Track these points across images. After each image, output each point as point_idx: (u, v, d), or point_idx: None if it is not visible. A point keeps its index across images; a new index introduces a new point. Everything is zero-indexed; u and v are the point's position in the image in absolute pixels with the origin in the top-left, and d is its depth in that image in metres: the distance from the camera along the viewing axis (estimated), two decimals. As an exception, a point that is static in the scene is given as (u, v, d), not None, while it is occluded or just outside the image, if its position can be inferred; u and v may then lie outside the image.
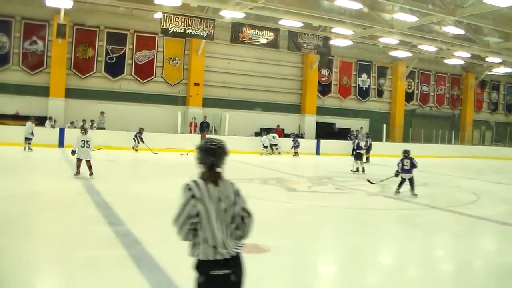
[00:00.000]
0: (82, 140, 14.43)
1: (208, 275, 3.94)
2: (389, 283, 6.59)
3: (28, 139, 21.89)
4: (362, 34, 30.19)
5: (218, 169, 4.04)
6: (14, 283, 5.73)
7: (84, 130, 15.17)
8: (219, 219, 3.95)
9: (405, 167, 14.33)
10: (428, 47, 32.47)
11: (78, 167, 14.66)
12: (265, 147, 29.45)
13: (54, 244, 7.35)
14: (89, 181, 14.09)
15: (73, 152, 14.44)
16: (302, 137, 33.33)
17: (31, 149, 21.58)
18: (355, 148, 21.67)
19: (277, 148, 29.66)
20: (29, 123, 22.11)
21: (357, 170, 20.92)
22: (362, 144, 23.04)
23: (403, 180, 14.46)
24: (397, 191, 14.53)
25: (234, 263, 4.05)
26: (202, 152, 4.02)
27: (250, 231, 4.20)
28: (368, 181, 16.02)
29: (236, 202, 4.11)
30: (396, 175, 14.58)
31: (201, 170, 4.05)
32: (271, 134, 30.05)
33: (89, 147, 14.51)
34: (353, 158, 21.52)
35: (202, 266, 3.98)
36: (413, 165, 14.40)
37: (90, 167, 14.63)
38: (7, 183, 13.06)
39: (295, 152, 29.30)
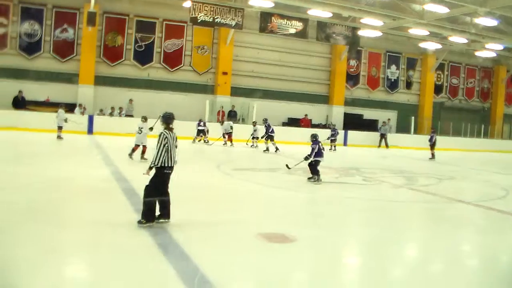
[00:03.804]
0: (138, 127, 15.95)
1: (164, 172, 7.89)
2: (414, 277, 6.58)
3: (61, 128, 22.07)
4: (391, 25, 29.93)
5: (171, 126, 8.01)
6: (44, 269, 5.85)
7: (143, 118, 16.59)
8: (174, 147, 7.89)
9: (322, 151, 14.03)
10: (458, 39, 32.03)
11: (134, 150, 16.04)
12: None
13: (82, 231, 7.47)
14: (117, 168, 14.27)
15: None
16: (329, 127, 33.23)
17: (62, 137, 21.82)
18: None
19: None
20: (61, 111, 22.32)
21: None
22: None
23: (317, 164, 14.00)
24: (319, 179, 13.89)
25: (173, 167, 7.93)
26: (167, 118, 8.12)
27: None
28: (286, 166, 15.65)
29: (177, 141, 8.04)
30: (306, 159, 14.13)
31: (165, 126, 8.02)
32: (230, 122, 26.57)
33: (141, 133, 15.85)
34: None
35: (162, 168, 7.83)
36: (324, 149, 14.24)
37: (143, 152, 15.83)
38: (38, 169, 13.26)
39: (332, 146, 27.21)
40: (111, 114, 27.11)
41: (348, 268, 7.08)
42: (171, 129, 7.97)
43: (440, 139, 25.56)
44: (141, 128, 15.90)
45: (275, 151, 23.07)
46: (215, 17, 27.24)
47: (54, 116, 22.38)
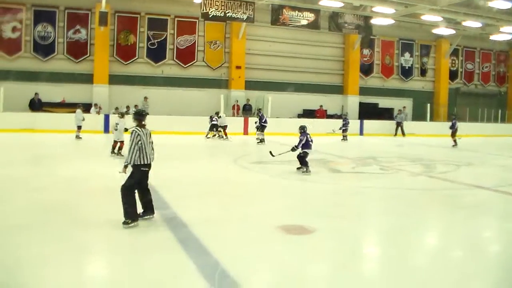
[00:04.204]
0: (115, 123, 16.26)
1: (140, 170, 7.71)
2: (434, 264, 6.56)
3: (80, 127, 22.23)
4: (404, 12, 29.70)
5: (143, 122, 7.86)
6: (64, 267, 5.92)
7: (120, 114, 17.15)
8: (148, 144, 7.77)
9: (310, 143, 13.91)
10: (472, 23, 31.69)
11: (113, 147, 16.35)
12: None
13: (102, 228, 7.53)
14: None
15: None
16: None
17: (80, 137, 21.99)
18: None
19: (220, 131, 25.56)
20: (79, 111, 22.47)
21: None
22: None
23: (306, 155, 13.90)
24: (308, 170, 13.81)
25: (150, 165, 7.84)
26: (139, 115, 7.95)
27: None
28: (270, 153, 15.57)
29: (151, 137, 7.90)
30: (293, 150, 14.02)
31: (137, 123, 7.85)
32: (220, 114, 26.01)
33: (117, 129, 16.08)
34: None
35: (138, 166, 7.66)
36: (312, 141, 14.06)
37: (119, 148, 16.18)
38: (56, 169, 13.38)
39: (343, 136, 27.00)
40: (126, 113, 27.19)
41: (368, 257, 7.09)
42: (143, 126, 7.83)
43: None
44: (117, 124, 16.12)
45: (258, 141, 23.05)
46: (226, 11, 27.25)
47: (70, 116, 22.54)
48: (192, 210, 8.95)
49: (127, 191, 7.59)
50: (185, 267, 5.96)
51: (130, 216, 7.54)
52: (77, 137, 21.90)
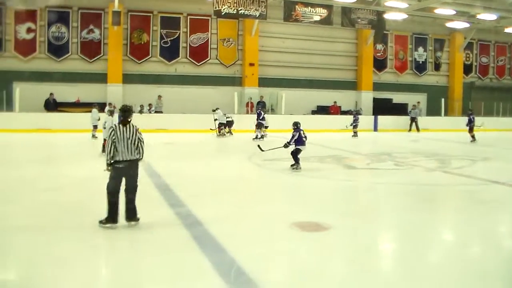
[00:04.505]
0: (104, 121, 16.13)
1: (114, 167, 7.45)
2: (451, 260, 6.54)
3: (95, 126, 22.33)
4: (417, 6, 29.57)
5: (128, 119, 7.55)
6: (78, 267, 5.97)
7: (109, 112, 16.83)
8: (123, 142, 7.38)
9: (303, 139, 13.73)
10: (487, 16, 31.47)
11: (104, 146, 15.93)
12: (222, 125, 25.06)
13: (118, 226, 7.56)
14: (149, 165, 14.40)
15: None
16: (359, 114, 33.09)
17: (96, 136, 22.08)
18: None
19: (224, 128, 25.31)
20: (95, 110, 22.57)
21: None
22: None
23: (298, 152, 13.74)
24: (299, 166, 13.64)
25: (130, 163, 7.48)
26: (122, 112, 7.65)
27: (144, 150, 7.63)
28: (259, 147, 15.49)
29: (135, 135, 7.47)
30: (286, 146, 13.89)
31: (121, 120, 7.55)
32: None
33: (105, 128, 15.69)
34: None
35: (113, 163, 7.45)
36: (306, 137, 13.88)
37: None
38: (72, 169, 13.46)
39: (353, 132, 26.57)
40: (140, 112, 27.35)
41: (384, 254, 7.07)
42: (125, 123, 7.49)
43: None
44: (105, 122, 15.87)
45: (254, 138, 22.93)
46: (239, 8, 27.29)
47: (85, 116, 22.67)
48: (207, 207, 8.97)
49: (107, 190, 7.50)
50: (201, 264, 5.97)
51: (108, 216, 7.43)
52: (93, 136, 21.98)
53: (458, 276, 5.89)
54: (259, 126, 23.60)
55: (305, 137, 13.85)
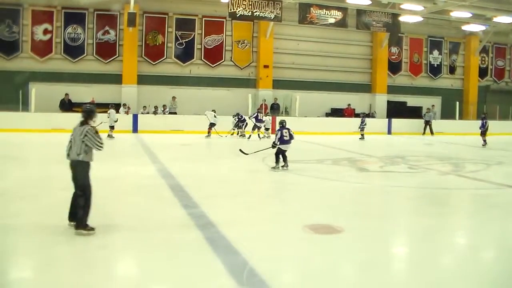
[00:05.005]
0: None
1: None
2: (465, 265, 6.54)
3: (112, 127, 22.51)
4: (432, 9, 29.36)
5: (87, 120, 7.41)
6: (97, 263, 6.10)
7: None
8: (74, 142, 7.32)
9: (285, 138, 13.76)
10: (503, 19, 31.22)
11: None
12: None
13: (132, 227, 7.63)
14: (163, 166, 14.50)
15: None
16: (373, 116, 33.04)
17: (113, 137, 22.26)
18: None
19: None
20: (113, 111, 22.77)
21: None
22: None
23: (281, 152, 13.84)
24: (277, 166, 13.84)
25: (71, 163, 7.40)
26: (83, 112, 7.47)
27: (96, 146, 7.37)
28: (241, 151, 15.57)
29: (80, 135, 7.23)
30: (273, 146, 13.97)
31: (83, 120, 7.38)
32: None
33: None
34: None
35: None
36: (291, 136, 13.92)
37: None
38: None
39: (360, 135, 26.56)
40: (155, 113, 27.50)
41: (397, 257, 7.08)
42: (83, 123, 7.33)
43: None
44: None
45: (249, 137, 23.78)
46: (254, 10, 27.31)
47: (99, 116, 22.81)
48: (220, 209, 9.02)
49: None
50: (214, 266, 6.01)
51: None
52: (110, 136, 22.11)
53: (471, 281, 5.88)
54: (255, 128, 24.42)
55: (291, 136, 13.92)
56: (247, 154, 15.34)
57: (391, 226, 8.50)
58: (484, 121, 24.28)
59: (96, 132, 7.38)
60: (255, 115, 25.19)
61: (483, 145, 23.65)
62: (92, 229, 7.10)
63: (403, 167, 16.10)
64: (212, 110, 25.08)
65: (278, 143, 13.77)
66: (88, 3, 28.10)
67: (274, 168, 13.88)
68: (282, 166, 13.94)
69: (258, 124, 24.55)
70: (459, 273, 6.16)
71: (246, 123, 25.26)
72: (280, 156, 13.90)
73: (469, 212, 10.07)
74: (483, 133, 24.06)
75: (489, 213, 9.61)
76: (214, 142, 22.87)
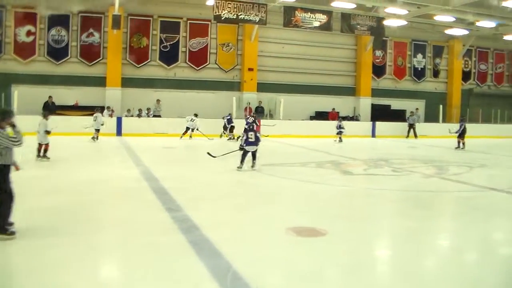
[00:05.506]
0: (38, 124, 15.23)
1: None
2: (448, 267, 6.55)
3: (98, 130, 22.49)
4: (416, 13, 29.63)
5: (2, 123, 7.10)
6: (81, 266, 6.01)
7: (43, 115, 15.87)
8: None
9: (250, 140, 14.17)
10: (485, 24, 31.55)
11: (39, 150, 15.37)
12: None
13: (115, 230, 7.61)
14: (147, 168, 14.44)
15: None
16: (357, 119, 33.20)
17: (97, 139, 22.22)
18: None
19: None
20: (99, 114, 22.73)
21: None
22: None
23: (246, 153, 14.31)
24: (240, 166, 14.25)
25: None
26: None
27: (11, 144, 7.13)
28: (209, 154, 15.84)
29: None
30: (241, 149, 14.41)
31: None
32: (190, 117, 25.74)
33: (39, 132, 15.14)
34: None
35: None
36: (258, 138, 14.39)
37: (44, 151, 15.36)
38: (71, 172, 13.49)
39: (338, 138, 26.44)
40: (139, 116, 27.41)
41: (380, 260, 7.07)
42: (2, 127, 7.07)
43: (469, 127, 25.05)
44: (40, 124, 15.34)
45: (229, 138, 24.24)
46: (239, 13, 27.35)
47: (83, 120, 22.78)
48: (203, 212, 8.99)
49: None
50: (197, 269, 5.97)
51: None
52: (93, 138, 22.07)
53: (454, 283, 5.90)
54: (231, 129, 24.86)
55: (255, 138, 14.29)
56: (215, 157, 15.51)
57: (375, 229, 8.51)
58: (461, 124, 24.40)
59: (14, 128, 7.27)
60: (228, 117, 25.76)
61: (456, 148, 23.70)
62: (13, 233, 6.88)
63: (387, 170, 16.16)
64: (194, 114, 25.23)
65: (245, 145, 14.21)
66: (71, 6, 27.99)
67: (238, 167, 14.19)
68: (252, 166, 14.36)
69: (228, 126, 25.02)
70: (443, 275, 6.17)
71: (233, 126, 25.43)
72: (251, 156, 14.39)
73: (452, 214, 10.13)
74: (461, 136, 24.15)
75: (472, 215, 9.66)
76: (199, 145, 22.81)
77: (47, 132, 15.17)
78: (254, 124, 15.45)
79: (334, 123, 27.12)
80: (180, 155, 19.55)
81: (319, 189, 12.20)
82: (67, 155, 17.53)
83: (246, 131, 14.40)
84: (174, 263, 6.22)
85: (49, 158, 15.28)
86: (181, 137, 25.12)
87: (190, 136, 25.36)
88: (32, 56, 27.95)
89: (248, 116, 24.08)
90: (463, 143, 23.95)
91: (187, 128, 25.21)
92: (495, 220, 9.44)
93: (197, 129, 24.99)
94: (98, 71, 29.03)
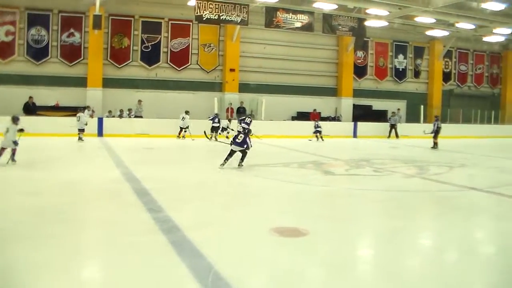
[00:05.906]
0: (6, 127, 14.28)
1: None
2: (429, 266, 6.59)
3: (82, 130, 22.44)
4: (397, 14, 29.75)
5: None
6: (62, 268, 5.96)
7: (13, 119, 14.65)
8: None
9: (237, 140, 14.66)
10: (466, 25, 31.83)
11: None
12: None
13: (96, 231, 7.57)
14: (128, 169, 14.36)
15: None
16: (338, 120, 33.35)
17: (83, 140, 22.20)
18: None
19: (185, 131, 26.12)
20: (82, 114, 22.65)
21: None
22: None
23: (232, 153, 14.75)
24: (223, 163, 14.64)
25: None
26: None
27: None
28: (204, 132, 16.38)
29: None
30: (231, 144, 14.92)
31: None
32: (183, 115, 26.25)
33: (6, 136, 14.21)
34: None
35: None
36: (244, 141, 14.75)
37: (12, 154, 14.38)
38: (51, 173, 13.37)
39: (317, 137, 27.41)
40: (120, 116, 27.25)
41: (362, 260, 7.09)
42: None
43: (450, 127, 25.34)
44: (8, 127, 14.35)
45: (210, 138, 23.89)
46: (220, 14, 27.31)
47: (64, 120, 22.61)
48: (185, 213, 8.95)
49: None
50: (178, 269, 5.95)
51: None
52: (80, 139, 22.08)
53: (436, 282, 5.92)
54: (213, 129, 24.92)
55: (242, 141, 14.64)
56: (210, 138, 15.84)
57: (357, 229, 8.53)
58: (435, 123, 24.62)
59: None
60: (213, 116, 26.02)
61: (432, 147, 23.95)
62: None
63: (369, 170, 16.23)
64: (185, 112, 25.67)
65: (231, 142, 14.81)
66: (52, 5, 27.77)
67: (221, 165, 14.59)
68: (238, 165, 14.72)
69: (214, 126, 25.30)
70: (425, 274, 6.20)
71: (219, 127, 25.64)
72: (240, 155, 14.75)
73: (433, 214, 10.17)
74: (435, 136, 24.37)
75: (453, 214, 9.71)
76: (181, 145, 22.76)
77: (21, 130, 14.38)
78: (249, 129, 15.48)
79: (311, 124, 27.42)
80: (162, 156, 19.46)
81: (302, 190, 12.20)
82: (50, 156, 17.39)
83: (241, 132, 14.64)
84: (155, 263, 6.17)
85: (15, 160, 14.39)
86: (178, 137, 25.53)
87: (183, 137, 25.56)
88: (11, 56, 27.62)
89: (245, 117, 24.14)
90: (435, 143, 24.17)
91: (181, 128, 25.43)
92: (475, 219, 9.55)
93: (187, 127, 25.10)
94: (79, 71, 28.78)
